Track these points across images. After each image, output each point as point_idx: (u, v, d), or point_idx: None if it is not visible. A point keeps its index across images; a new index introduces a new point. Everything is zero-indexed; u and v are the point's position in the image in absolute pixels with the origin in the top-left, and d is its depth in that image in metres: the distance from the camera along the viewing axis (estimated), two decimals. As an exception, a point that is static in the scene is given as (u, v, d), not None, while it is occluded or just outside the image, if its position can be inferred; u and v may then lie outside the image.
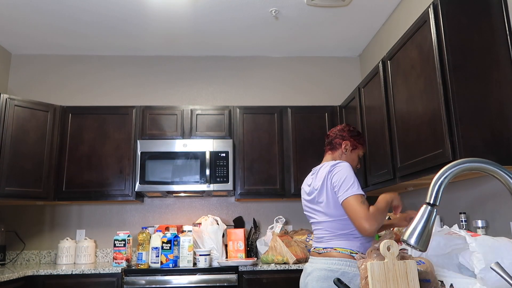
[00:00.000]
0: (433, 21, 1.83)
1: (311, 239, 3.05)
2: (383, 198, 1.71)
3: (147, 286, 2.70)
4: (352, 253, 1.65)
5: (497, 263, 0.95)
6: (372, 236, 1.64)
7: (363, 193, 1.66)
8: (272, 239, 2.96)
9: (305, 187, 1.91)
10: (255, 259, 2.99)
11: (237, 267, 2.76)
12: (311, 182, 1.85)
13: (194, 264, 2.86)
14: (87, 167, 3.16)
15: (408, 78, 2.08)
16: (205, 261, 2.81)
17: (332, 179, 1.71)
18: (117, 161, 3.18)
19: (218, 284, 2.72)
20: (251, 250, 3.27)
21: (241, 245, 3.07)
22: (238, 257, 3.03)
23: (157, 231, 2.97)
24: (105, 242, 3.41)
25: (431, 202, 0.94)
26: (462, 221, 1.95)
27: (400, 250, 1.26)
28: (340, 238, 1.69)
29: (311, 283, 1.65)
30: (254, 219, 3.39)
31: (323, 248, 1.71)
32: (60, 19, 3.15)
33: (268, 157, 3.26)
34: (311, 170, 2.04)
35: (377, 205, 1.67)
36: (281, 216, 3.30)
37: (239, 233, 3.09)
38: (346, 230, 1.69)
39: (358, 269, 1.52)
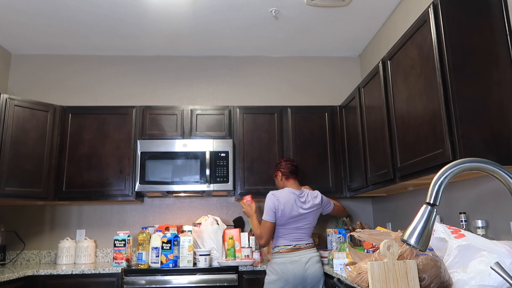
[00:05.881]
0: (433, 21, 1.83)
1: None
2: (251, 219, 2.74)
3: (147, 286, 2.70)
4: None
5: (497, 263, 0.95)
6: (263, 246, 2.65)
7: (265, 219, 2.57)
8: (272, 239, 2.97)
9: None
10: (255, 259, 2.99)
11: (237, 267, 2.76)
12: None
13: (194, 264, 2.86)
14: (87, 167, 3.16)
15: (408, 78, 2.09)
16: (205, 261, 2.81)
17: None
18: (117, 161, 3.18)
19: (218, 284, 2.72)
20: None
21: (237, 245, 3.07)
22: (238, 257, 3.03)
23: (157, 231, 2.97)
24: (105, 242, 3.41)
25: (431, 202, 0.94)
26: (462, 221, 1.95)
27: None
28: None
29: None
30: (254, 219, 3.39)
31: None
32: (60, 20, 3.15)
33: (268, 157, 3.26)
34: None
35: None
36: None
37: (236, 233, 3.12)
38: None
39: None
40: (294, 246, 2.54)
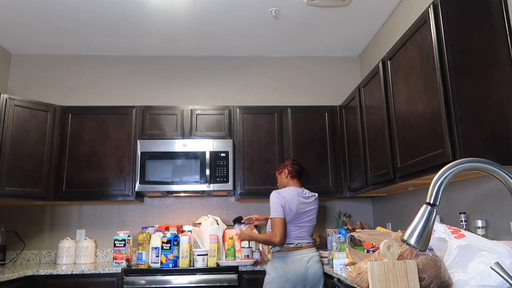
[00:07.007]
0: (433, 21, 1.83)
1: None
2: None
3: (147, 286, 2.70)
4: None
5: (497, 263, 0.95)
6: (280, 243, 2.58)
7: (275, 216, 2.53)
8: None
9: None
10: (255, 259, 2.99)
11: (237, 267, 2.77)
12: None
13: (194, 264, 2.86)
14: (87, 167, 3.16)
15: (408, 78, 2.09)
16: (203, 261, 2.81)
17: None
18: (117, 161, 3.18)
19: (218, 284, 2.72)
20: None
21: (237, 245, 3.07)
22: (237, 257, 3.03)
23: (157, 231, 2.97)
24: (105, 242, 3.41)
25: (431, 202, 0.94)
26: (462, 221, 1.95)
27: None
28: None
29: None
30: (254, 219, 3.39)
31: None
32: (60, 20, 3.15)
33: (268, 157, 3.26)
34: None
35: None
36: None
37: (236, 233, 3.11)
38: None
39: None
40: (296, 244, 2.54)
